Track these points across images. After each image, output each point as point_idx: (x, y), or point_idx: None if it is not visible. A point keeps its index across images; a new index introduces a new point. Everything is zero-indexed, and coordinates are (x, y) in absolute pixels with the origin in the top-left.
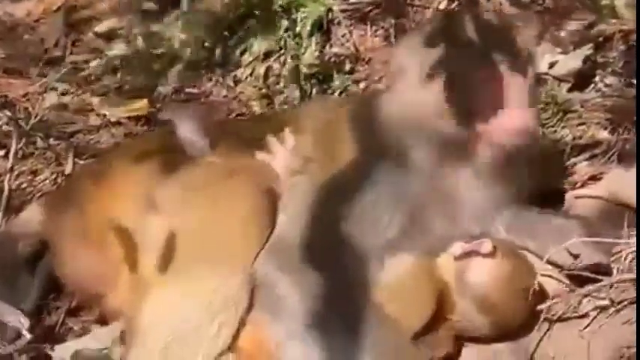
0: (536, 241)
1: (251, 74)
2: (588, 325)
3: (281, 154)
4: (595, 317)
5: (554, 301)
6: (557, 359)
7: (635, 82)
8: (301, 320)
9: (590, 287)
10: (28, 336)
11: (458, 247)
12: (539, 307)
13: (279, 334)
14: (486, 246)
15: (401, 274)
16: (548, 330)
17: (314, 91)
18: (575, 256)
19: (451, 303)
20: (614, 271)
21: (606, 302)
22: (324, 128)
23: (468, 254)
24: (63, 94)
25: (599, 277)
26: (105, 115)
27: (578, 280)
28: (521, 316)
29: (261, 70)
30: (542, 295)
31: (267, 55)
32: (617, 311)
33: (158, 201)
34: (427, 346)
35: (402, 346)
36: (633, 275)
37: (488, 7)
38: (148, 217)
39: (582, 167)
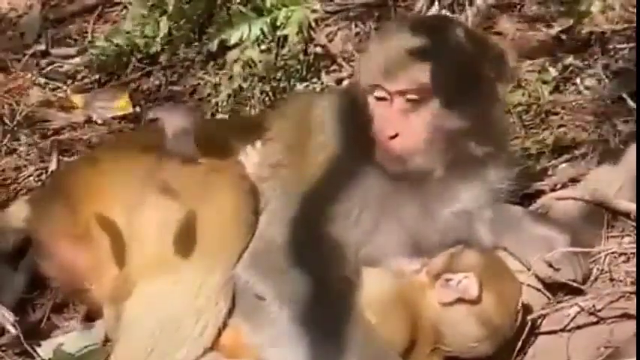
0: (518, 248)
1: (231, 69)
2: (567, 325)
3: (250, 162)
4: (574, 317)
5: (542, 312)
6: (538, 357)
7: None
8: (284, 327)
9: (577, 299)
10: (13, 331)
11: (444, 293)
12: (528, 318)
13: (262, 341)
14: (472, 293)
15: (380, 294)
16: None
17: (297, 88)
18: (556, 269)
19: (437, 333)
20: (594, 271)
21: (585, 304)
22: (301, 126)
23: (455, 301)
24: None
25: (579, 286)
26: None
27: (556, 286)
28: (513, 328)
29: (239, 66)
30: (527, 306)
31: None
32: (595, 312)
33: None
34: None
35: (389, 355)
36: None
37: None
38: (160, 202)
39: (562, 169)
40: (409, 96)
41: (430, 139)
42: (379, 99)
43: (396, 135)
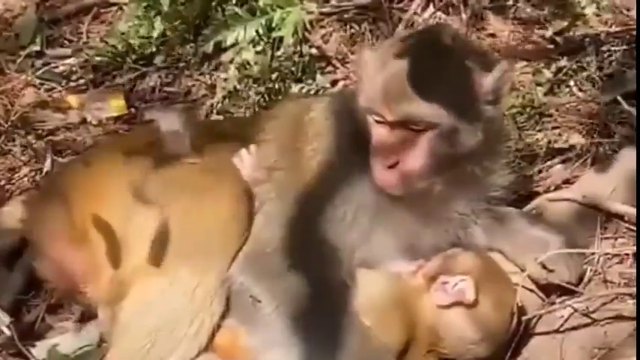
0: (512, 249)
1: (226, 70)
2: (561, 326)
3: (244, 165)
4: (567, 318)
5: (536, 313)
6: (532, 359)
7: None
8: (279, 329)
9: (571, 301)
10: (7, 332)
11: (441, 297)
12: (522, 319)
13: (257, 343)
14: (469, 296)
15: (376, 296)
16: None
17: (291, 90)
18: (550, 270)
19: (433, 336)
20: (588, 272)
21: (579, 305)
22: (297, 129)
23: (451, 304)
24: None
25: (573, 287)
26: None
27: (549, 287)
28: (509, 331)
29: (234, 67)
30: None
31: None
32: (589, 314)
33: (148, 193)
34: None
35: (384, 357)
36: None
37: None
38: (138, 209)
39: (556, 170)
40: (410, 126)
41: (430, 164)
42: (379, 122)
43: (396, 163)
